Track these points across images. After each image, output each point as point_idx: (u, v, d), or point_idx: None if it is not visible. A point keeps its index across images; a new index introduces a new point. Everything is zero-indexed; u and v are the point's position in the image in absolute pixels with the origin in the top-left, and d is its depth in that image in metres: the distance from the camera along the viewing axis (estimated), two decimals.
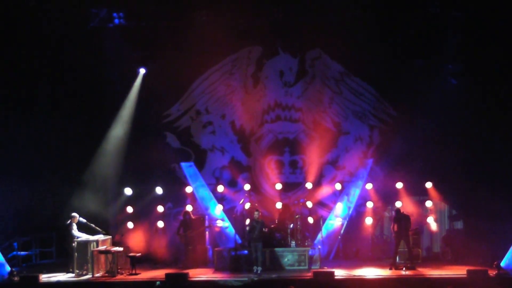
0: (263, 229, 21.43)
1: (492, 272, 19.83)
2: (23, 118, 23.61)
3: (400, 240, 21.82)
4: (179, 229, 22.82)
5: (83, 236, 21.72)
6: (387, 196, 23.96)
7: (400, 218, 21.80)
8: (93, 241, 21.57)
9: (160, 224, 23.59)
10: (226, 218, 24.41)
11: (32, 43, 23.55)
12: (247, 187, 24.46)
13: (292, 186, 25.50)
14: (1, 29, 23.19)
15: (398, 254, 21.95)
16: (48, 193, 23.89)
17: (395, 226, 21.81)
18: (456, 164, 23.38)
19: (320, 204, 25.01)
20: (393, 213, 22.34)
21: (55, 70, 23.99)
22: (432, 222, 23.59)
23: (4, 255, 21.75)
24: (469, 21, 23.37)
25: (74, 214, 21.97)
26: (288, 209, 24.03)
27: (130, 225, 23.38)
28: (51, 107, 24.23)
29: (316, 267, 21.69)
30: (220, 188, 24.58)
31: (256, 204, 23.93)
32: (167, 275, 20.23)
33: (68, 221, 21.86)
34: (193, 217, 23.17)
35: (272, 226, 23.18)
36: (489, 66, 23.06)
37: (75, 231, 21.74)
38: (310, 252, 22.18)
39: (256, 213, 21.75)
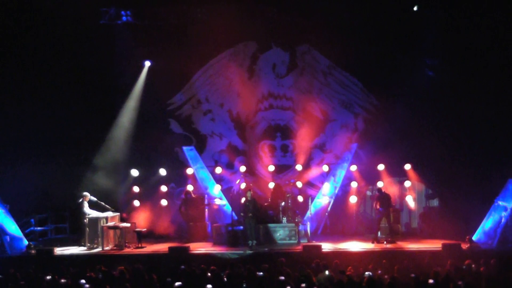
0: (254, 200, 21.37)
1: (464, 246, 19.76)
2: (42, 106, 23.39)
3: (382, 217, 21.76)
4: (181, 207, 22.73)
5: (94, 213, 21.62)
6: (369, 177, 23.81)
7: (382, 196, 21.75)
8: (103, 217, 21.48)
9: (164, 202, 23.47)
10: (223, 197, 24.30)
11: (50, 38, 23.43)
12: (242, 169, 24.34)
13: (284, 168, 25.40)
14: (22, 27, 23.23)
15: (380, 229, 21.81)
16: (62, 175, 23.61)
17: (378, 204, 21.72)
18: (433, 148, 23.28)
19: (309, 184, 24.91)
20: (376, 192, 22.18)
21: (70, 62, 23.72)
22: (410, 201, 23.52)
23: (22, 230, 21.75)
24: (444, 18, 23.29)
25: (85, 193, 21.89)
26: (280, 188, 23.92)
27: (136, 203, 23.25)
28: (67, 97, 23.85)
29: (305, 241, 21.56)
30: (218, 170, 24.47)
31: (251, 184, 23.80)
32: (170, 248, 20.14)
33: (80, 200, 21.77)
34: (193, 196, 23.08)
35: (265, 204, 23.12)
36: (461, 60, 23.00)
37: (86, 208, 21.63)
38: (299, 228, 22.04)
39: (248, 193, 21.61)
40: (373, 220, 22.85)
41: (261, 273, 15.31)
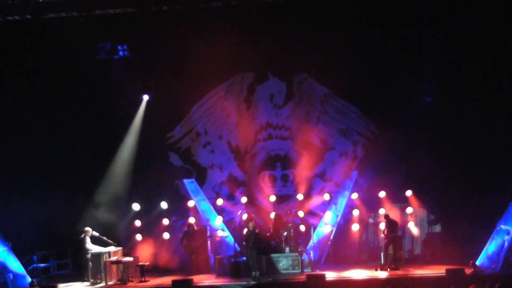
0: (255, 231, 21.41)
1: (468, 270, 19.78)
2: (42, 142, 23.67)
3: (390, 244, 21.78)
4: (183, 239, 22.75)
5: (96, 248, 21.63)
6: (371, 205, 23.91)
7: (390, 223, 21.81)
8: (105, 252, 21.47)
9: (166, 235, 23.49)
10: (225, 228, 24.30)
11: (49, 75, 23.77)
12: (244, 200, 24.46)
13: (285, 198, 25.35)
14: (20, 66, 23.60)
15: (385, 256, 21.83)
16: (64, 210, 23.76)
17: (385, 230, 21.83)
18: (433, 173, 23.41)
19: (311, 213, 24.90)
20: (384, 218, 22.25)
21: (69, 98, 24.00)
22: (412, 227, 23.56)
23: (25, 268, 21.77)
24: (441, 43, 23.42)
25: (87, 228, 21.86)
26: (281, 218, 23.98)
27: (138, 237, 23.30)
28: (66, 133, 24.06)
29: (308, 271, 21.60)
30: (220, 202, 24.55)
31: (253, 215, 23.88)
32: (173, 281, 20.12)
33: (82, 235, 21.76)
34: (195, 228, 23.12)
35: (268, 234, 23.16)
36: (457, 85, 23.19)
37: (88, 244, 21.64)
38: (302, 257, 22.13)
39: (250, 223, 21.73)
40: (376, 247, 22.95)
41: None
